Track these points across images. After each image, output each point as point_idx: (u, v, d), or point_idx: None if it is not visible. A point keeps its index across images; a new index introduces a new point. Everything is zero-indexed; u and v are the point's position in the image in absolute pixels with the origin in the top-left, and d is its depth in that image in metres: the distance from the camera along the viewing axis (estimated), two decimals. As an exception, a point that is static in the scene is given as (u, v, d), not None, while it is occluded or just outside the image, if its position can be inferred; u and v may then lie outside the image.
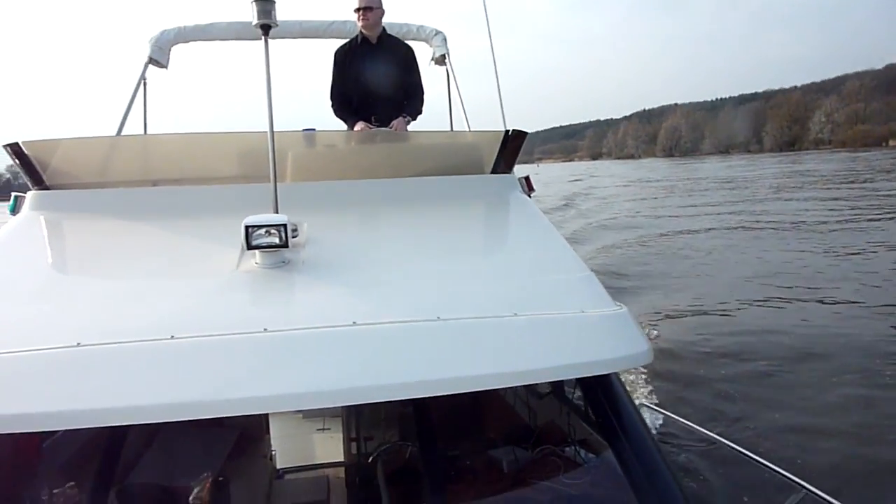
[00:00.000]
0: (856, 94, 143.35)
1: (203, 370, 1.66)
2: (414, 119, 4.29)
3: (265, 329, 1.77)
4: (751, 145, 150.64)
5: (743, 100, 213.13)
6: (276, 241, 2.07)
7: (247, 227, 2.04)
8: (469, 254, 2.65)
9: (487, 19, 3.91)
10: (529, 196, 3.18)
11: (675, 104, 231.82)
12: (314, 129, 3.49)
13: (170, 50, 4.76)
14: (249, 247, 2.06)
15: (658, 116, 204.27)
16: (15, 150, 2.71)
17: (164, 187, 2.89)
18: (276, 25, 2.15)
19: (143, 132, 4.88)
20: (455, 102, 4.81)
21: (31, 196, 2.70)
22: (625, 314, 2.02)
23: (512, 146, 3.09)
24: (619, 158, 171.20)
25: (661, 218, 18.52)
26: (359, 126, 4.08)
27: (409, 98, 4.36)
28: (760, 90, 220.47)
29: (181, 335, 1.72)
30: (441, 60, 4.97)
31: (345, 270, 2.23)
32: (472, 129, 4.23)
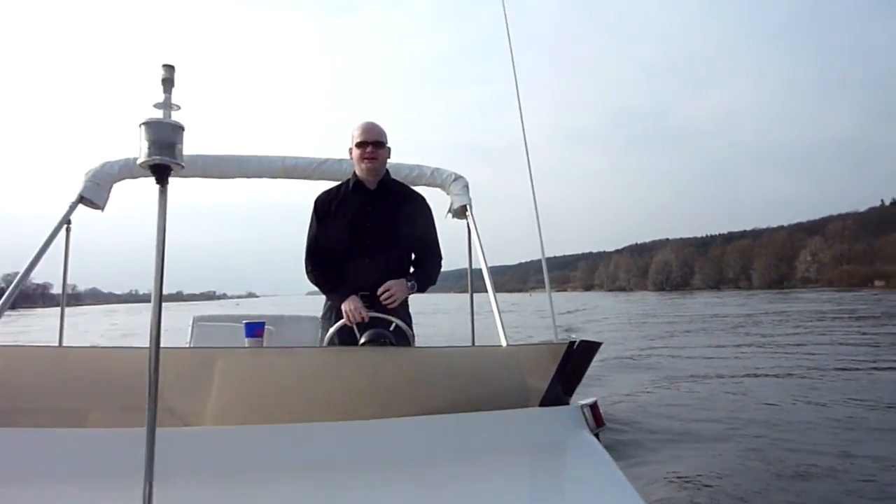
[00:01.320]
0: (840, 234, 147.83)
1: None
2: (423, 289, 3.23)
3: None
4: (740, 281, 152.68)
5: (732, 237, 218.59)
6: None
7: None
8: None
9: (530, 167, 3.09)
10: (598, 435, 2.08)
11: (667, 239, 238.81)
12: (262, 326, 2.59)
13: (111, 187, 3.91)
14: None
15: (650, 250, 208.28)
16: None
17: (23, 430, 1.66)
18: (182, 166, 1.37)
19: (61, 294, 4.11)
20: (477, 264, 3.75)
21: None
22: None
23: (575, 364, 2.04)
24: (610, 290, 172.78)
25: (654, 357, 17.62)
26: (350, 303, 3.01)
27: (419, 263, 3.33)
28: (749, 228, 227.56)
29: None
30: (461, 213, 4.08)
31: None
32: (495, 297, 3.26)
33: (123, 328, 38.61)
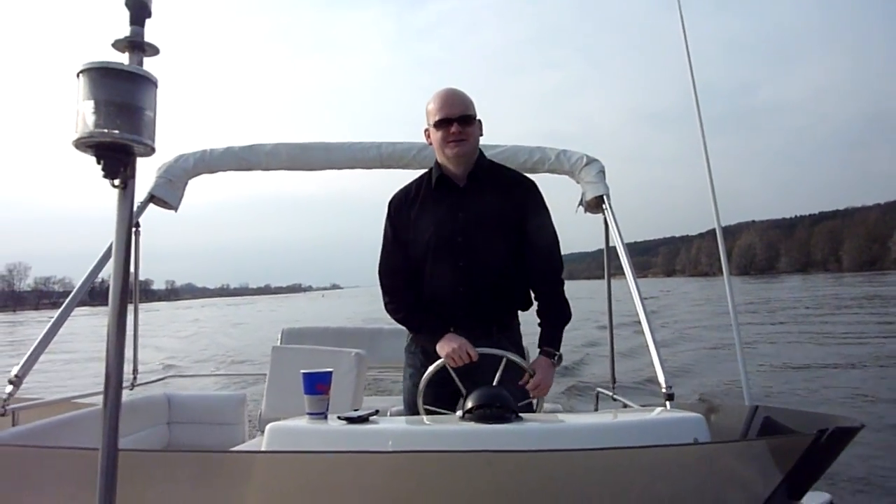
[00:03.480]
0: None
1: None
2: (558, 344, 2.38)
3: None
4: (829, 264, 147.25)
5: (822, 217, 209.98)
6: None
7: None
8: None
9: (708, 162, 2.77)
10: None
11: (752, 221, 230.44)
12: (327, 378, 1.91)
13: (186, 184, 3.55)
14: None
15: (734, 233, 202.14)
16: None
17: None
18: (153, 149, 0.94)
19: (134, 295, 3.67)
20: (619, 267, 3.05)
21: None
22: None
23: (818, 459, 1.45)
24: (692, 276, 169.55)
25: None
26: (449, 343, 2.26)
27: (540, 292, 2.45)
28: (841, 207, 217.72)
29: None
30: (596, 205, 3.37)
31: None
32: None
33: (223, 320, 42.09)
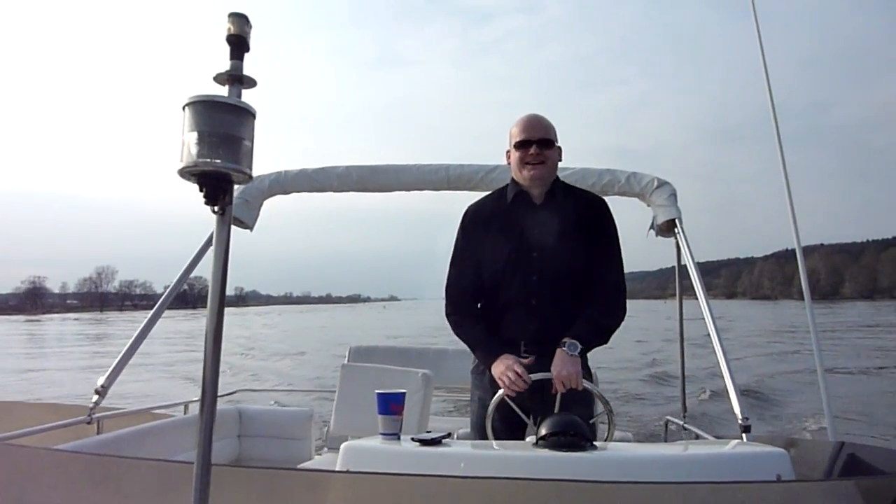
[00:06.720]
0: None
1: None
2: (593, 344, 2.38)
3: None
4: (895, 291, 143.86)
5: (893, 242, 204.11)
6: None
7: None
8: None
9: (786, 173, 2.90)
10: None
11: (821, 244, 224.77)
12: (401, 398, 1.89)
13: (261, 204, 3.73)
14: None
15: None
16: None
17: None
18: (250, 177, 0.98)
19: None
20: (690, 292, 3.12)
21: None
22: None
23: None
24: (754, 299, 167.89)
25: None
26: (503, 366, 2.25)
27: (591, 300, 2.39)
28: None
29: None
30: (668, 228, 3.38)
31: None
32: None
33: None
